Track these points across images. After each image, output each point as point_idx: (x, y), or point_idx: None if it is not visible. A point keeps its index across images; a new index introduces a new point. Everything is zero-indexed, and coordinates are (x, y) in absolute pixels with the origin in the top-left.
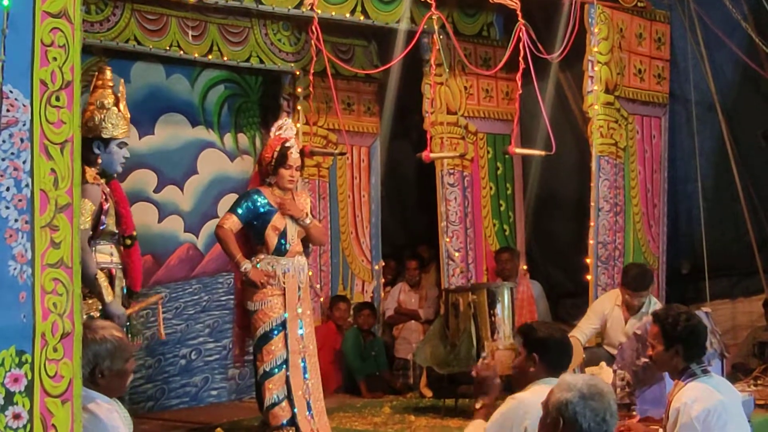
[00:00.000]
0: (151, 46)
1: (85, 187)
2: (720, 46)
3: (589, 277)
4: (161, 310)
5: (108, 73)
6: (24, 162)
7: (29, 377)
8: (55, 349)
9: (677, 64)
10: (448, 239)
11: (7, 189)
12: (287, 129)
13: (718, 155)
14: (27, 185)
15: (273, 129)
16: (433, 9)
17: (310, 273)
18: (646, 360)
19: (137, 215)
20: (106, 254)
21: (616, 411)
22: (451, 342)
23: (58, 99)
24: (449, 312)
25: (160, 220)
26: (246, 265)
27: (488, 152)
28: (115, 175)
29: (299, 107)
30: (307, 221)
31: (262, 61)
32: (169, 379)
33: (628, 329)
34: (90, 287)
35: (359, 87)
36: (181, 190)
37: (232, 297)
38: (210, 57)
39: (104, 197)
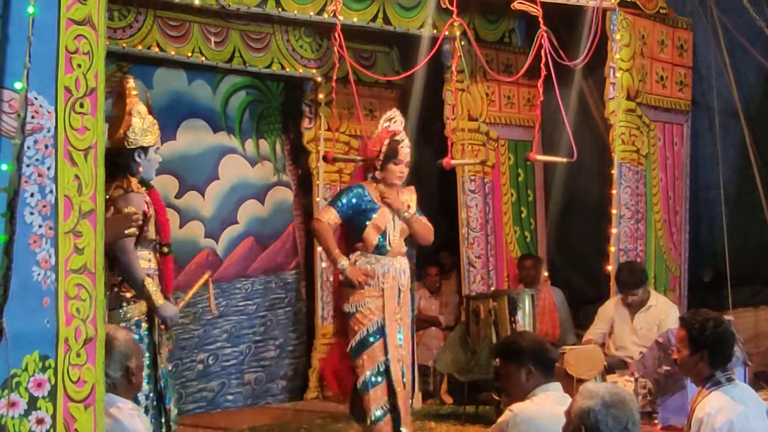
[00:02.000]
0: (173, 53)
1: (130, 196)
2: (743, 53)
3: (610, 284)
4: (211, 287)
5: (131, 82)
6: (48, 168)
7: (52, 382)
8: (78, 355)
9: (700, 71)
10: (468, 246)
11: (32, 195)
12: (397, 121)
13: (740, 162)
14: (51, 191)
15: (381, 121)
16: (454, 15)
17: (332, 278)
18: (668, 368)
19: None
20: (145, 260)
21: (639, 420)
22: (472, 349)
23: (82, 106)
24: (470, 319)
25: (181, 226)
26: (344, 262)
27: (509, 159)
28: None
29: (321, 113)
30: (407, 214)
31: (283, 68)
32: (186, 384)
33: (636, 325)
34: (138, 292)
35: (381, 93)
36: (203, 195)
37: (249, 302)
38: (232, 63)
39: (146, 205)
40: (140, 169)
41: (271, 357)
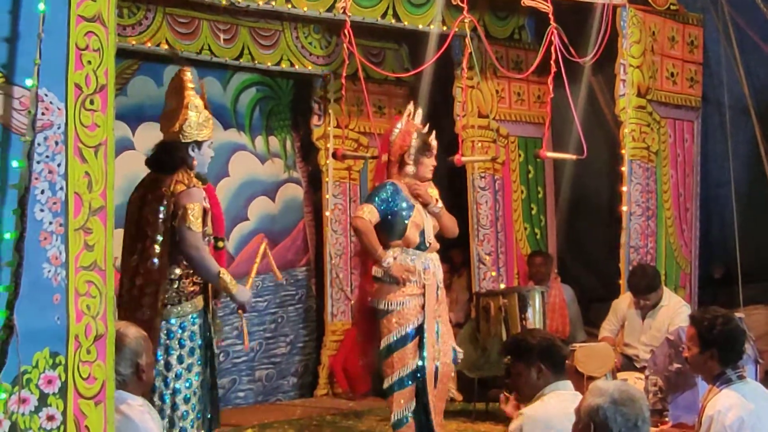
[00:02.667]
0: (182, 50)
1: (192, 191)
2: (754, 48)
3: (620, 281)
4: (270, 255)
5: (189, 74)
6: (59, 165)
7: (63, 379)
8: (88, 351)
9: (710, 67)
10: (479, 243)
11: (42, 192)
12: (418, 115)
13: (751, 159)
14: (61, 188)
15: (404, 116)
16: (465, 12)
17: (342, 275)
18: (679, 366)
19: None
20: None
21: (649, 417)
22: (482, 346)
23: (92, 102)
24: (480, 316)
25: None
26: (389, 260)
27: (520, 156)
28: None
29: (330, 110)
30: (437, 208)
31: (292, 65)
32: None
33: (647, 324)
34: (215, 284)
35: (390, 90)
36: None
37: (260, 299)
38: (241, 60)
39: (205, 200)
40: (194, 163)
41: (282, 354)
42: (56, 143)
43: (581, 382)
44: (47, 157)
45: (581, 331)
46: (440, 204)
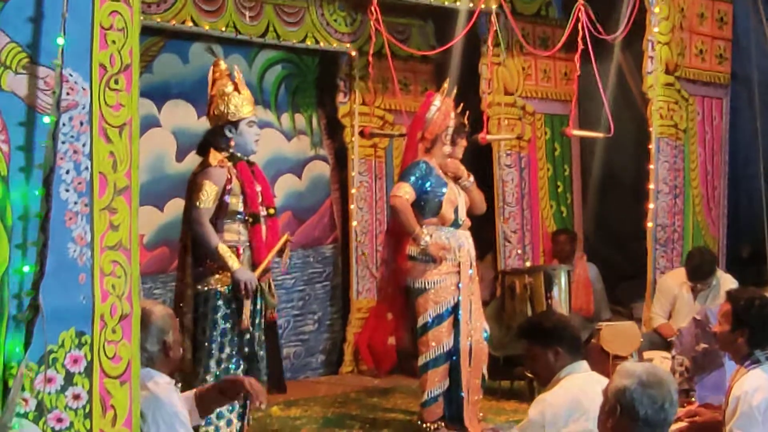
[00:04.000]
0: (207, 27)
1: (208, 170)
2: None
3: (647, 260)
4: (288, 247)
5: (222, 64)
6: (83, 145)
7: (88, 358)
8: (113, 331)
9: (740, 43)
10: (504, 221)
11: (67, 172)
12: (452, 94)
13: None
14: (86, 168)
15: (439, 94)
16: None
17: (367, 253)
18: (706, 346)
19: None
20: (234, 233)
21: (677, 400)
22: (507, 324)
23: (116, 82)
24: (505, 294)
25: None
26: (427, 238)
27: (546, 133)
28: (249, 158)
29: (356, 88)
30: (468, 182)
31: (318, 42)
32: None
33: (699, 303)
34: (214, 259)
35: (416, 67)
36: None
37: (288, 276)
38: (266, 38)
39: (229, 177)
40: (232, 143)
41: (310, 331)
42: (81, 123)
43: (607, 361)
44: (72, 137)
45: (606, 310)
46: (471, 178)
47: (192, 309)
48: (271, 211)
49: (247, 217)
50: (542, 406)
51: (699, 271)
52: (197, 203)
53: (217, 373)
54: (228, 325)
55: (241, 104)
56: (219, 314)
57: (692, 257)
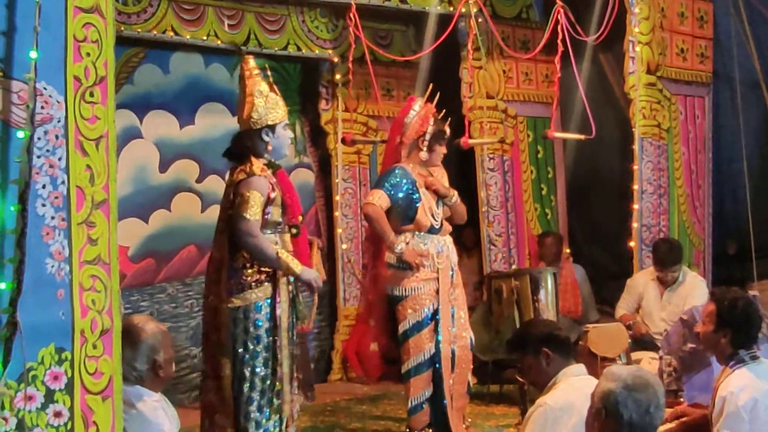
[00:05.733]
0: (188, 36)
1: (252, 180)
2: (764, 22)
3: (633, 260)
4: (319, 255)
5: (251, 62)
6: (59, 159)
7: (69, 374)
8: (94, 346)
9: (721, 42)
10: (489, 224)
11: (44, 186)
12: (434, 100)
13: (763, 134)
14: (63, 182)
15: (420, 99)
16: None
17: (353, 259)
18: (693, 346)
19: (180, 206)
20: (272, 243)
21: (663, 403)
22: (495, 328)
23: (92, 95)
24: (492, 298)
25: (203, 210)
26: (402, 246)
27: (528, 136)
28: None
29: (338, 94)
30: (454, 200)
31: (299, 49)
32: None
33: (666, 300)
34: (277, 268)
35: (398, 72)
36: (224, 179)
37: None
38: (248, 46)
39: (271, 188)
40: (269, 148)
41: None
42: (56, 137)
43: (595, 363)
44: (48, 151)
45: (594, 311)
46: (455, 198)
47: (230, 324)
48: (300, 218)
49: (288, 228)
50: (543, 410)
51: (664, 259)
52: (246, 215)
53: (264, 389)
54: (270, 339)
55: (277, 106)
56: (263, 328)
57: (659, 245)
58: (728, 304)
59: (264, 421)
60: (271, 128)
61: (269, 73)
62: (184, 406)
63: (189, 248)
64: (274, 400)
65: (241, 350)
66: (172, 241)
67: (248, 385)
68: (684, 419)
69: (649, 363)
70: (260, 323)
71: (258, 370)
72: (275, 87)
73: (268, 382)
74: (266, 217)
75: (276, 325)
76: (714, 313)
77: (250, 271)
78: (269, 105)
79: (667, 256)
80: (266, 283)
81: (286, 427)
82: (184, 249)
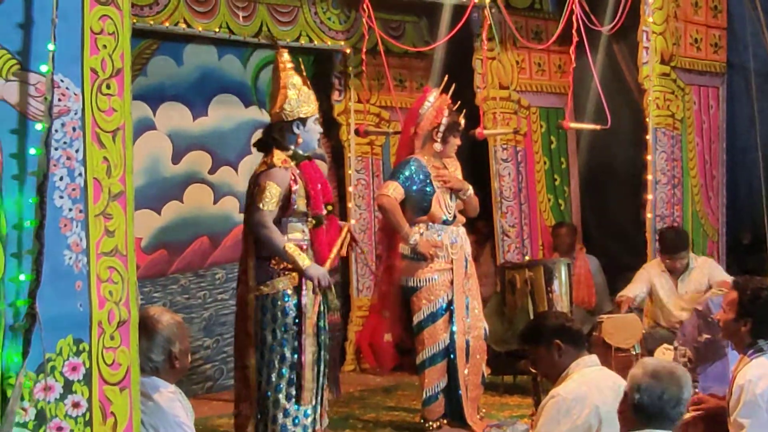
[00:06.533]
0: (200, 28)
1: (272, 171)
2: None
3: (647, 250)
4: (348, 239)
5: (286, 55)
6: (77, 151)
7: (87, 365)
8: (112, 337)
9: (735, 31)
10: (502, 215)
11: (61, 178)
12: (450, 91)
13: None
14: (80, 174)
15: (435, 90)
16: None
17: (366, 250)
18: (708, 336)
19: (192, 197)
20: (298, 231)
21: (686, 398)
22: (509, 319)
23: (108, 87)
24: (506, 289)
25: (215, 202)
26: (416, 236)
27: (541, 126)
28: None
29: (351, 85)
30: (468, 193)
31: (311, 40)
32: (227, 359)
33: (681, 289)
34: (285, 259)
35: (411, 63)
36: (236, 170)
37: None
38: (260, 38)
39: (293, 179)
40: (299, 141)
41: None
42: (74, 129)
43: (609, 353)
44: (65, 143)
45: (608, 302)
46: (470, 191)
47: (258, 312)
48: (329, 207)
49: (310, 219)
50: (556, 401)
51: (669, 246)
52: (260, 205)
53: (292, 377)
54: (297, 328)
55: (310, 99)
56: (290, 316)
57: (665, 233)
58: (751, 294)
59: (293, 410)
60: (303, 121)
61: (303, 66)
62: (198, 397)
63: (201, 239)
64: (303, 388)
65: (269, 338)
66: (184, 232)
67: (276, 372)
68: (701, 406)
69: (663, 353)
70: (288, 311)
71: (286, 357)
72: (308, 81)
73: (296, 370)
74: (293, 207)
75: (302, 313)
76: (736, 301)
77: (276, 259)
78: (302, 98)
79: (675, 242)
80: (293, 273)
81: (320, 417)
82: (196, 240)
